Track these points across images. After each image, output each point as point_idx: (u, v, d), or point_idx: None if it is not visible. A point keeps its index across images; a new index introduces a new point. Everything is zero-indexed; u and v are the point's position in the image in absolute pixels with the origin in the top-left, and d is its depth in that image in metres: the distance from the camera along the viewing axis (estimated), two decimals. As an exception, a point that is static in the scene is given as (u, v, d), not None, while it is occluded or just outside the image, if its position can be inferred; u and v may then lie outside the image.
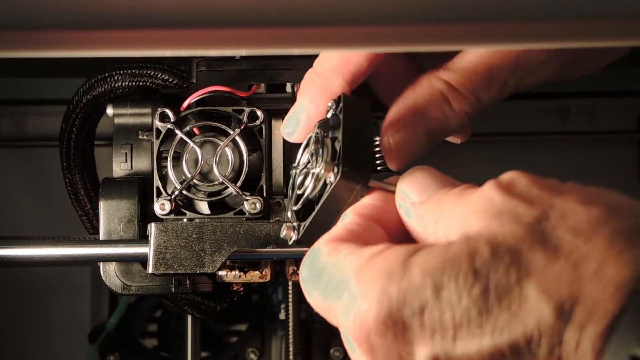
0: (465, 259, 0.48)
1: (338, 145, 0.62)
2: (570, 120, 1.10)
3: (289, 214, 0.66)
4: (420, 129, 0.67)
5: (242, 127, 0.76)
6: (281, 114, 0.79)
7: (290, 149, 0.79)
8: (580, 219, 0.48)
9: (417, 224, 0.55)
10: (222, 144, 0.76)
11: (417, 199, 0.55)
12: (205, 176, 0.77)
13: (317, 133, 0.64)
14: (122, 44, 0.50)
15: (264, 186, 0.77)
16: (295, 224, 0.65)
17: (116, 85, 0.81)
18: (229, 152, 0.77)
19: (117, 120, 0.82)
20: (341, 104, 0.62)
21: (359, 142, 0.62)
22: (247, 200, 0.76)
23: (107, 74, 0.81)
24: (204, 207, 0.78)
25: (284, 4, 0.48)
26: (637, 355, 0.43)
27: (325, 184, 0.61)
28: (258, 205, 0.76)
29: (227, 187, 0.77)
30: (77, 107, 0.83)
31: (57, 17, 0.48)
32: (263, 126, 0.77)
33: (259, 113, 0.77)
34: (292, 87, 0.78)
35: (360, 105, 0.64)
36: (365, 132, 0.63)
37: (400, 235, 0.57)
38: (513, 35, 0.51)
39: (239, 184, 0.76)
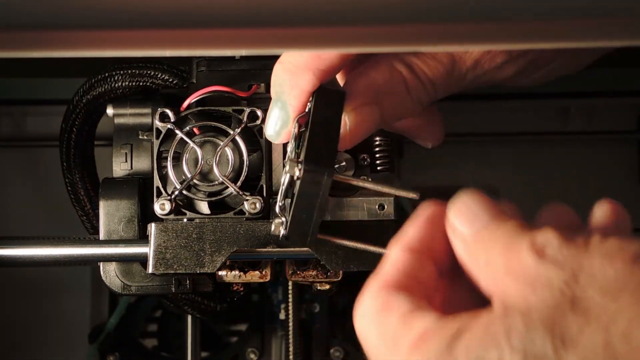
0: (504, 336, 0.48)
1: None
2: (570, 120, 1.10)
3: (277, 209, 0.67)
4: (375, 111, 0.67)
5: (242, 127, 0.76)
6: (281, 114, 0.79)
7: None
8: (607, 275, 0.47)
9: (469, 260, 0.54)
10: (222, 144, 0.76)
11: (468, 232, 0.54)
12: (205, 176, 0.77)
13: (294, 128, 0.65)
14: (122, 44, 0.50)
15: (264, 186, 0.77)
16: (282, 219, 0.66)
17: (116, 85, 0.81)
18: (229, 152, 0.77)
19: (117, 120, 0.82)
20: (313, 98, 0.64)
21: (327, 136, 0.64)
22: (247, 200, 0.76)
23: (107, 74, 0.81)
24: (204, 207, 0.78)
25: (284, 4, 0.48)
26: None
27: (295, 181, 0.64)
28: (258, 205, 0.76)
29: (227, 187, 0.77)
30: (77, 107, 0.83)
31: (57, 17, 0.48)
32: (263, 126, 0.77)
33: (259, 113, 0.77)
34: (292, 87, 0.78)
35: (335, 96, 0.65)
36: (335, 124, 0.64)
37: (449, 262, 0.55)
38: (514, 35, 0.51)
39: (239, 184, 0.76)
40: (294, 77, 0.67)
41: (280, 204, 0.67)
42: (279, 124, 0.68)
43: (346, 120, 0.66)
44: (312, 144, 0.63)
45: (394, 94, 0.68)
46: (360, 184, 0.70)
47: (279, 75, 0.68)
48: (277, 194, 0.79)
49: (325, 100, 0.64)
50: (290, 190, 0.67)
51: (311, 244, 0.68)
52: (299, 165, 0.63)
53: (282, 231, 0.67)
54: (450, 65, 0.68)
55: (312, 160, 0.63)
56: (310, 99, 0.66)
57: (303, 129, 0.66)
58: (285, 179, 0.66)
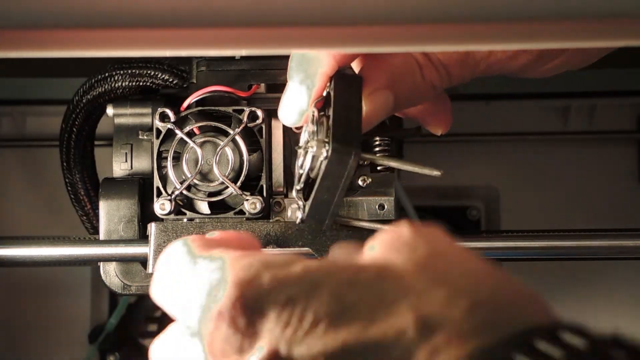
0: (353, 273, 0.48)
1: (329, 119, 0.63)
2: (570, 120, 1.10)
3: (294, 193, 0.67)
4: (390, 96, 0.67)
5: (242, 127, 0.76)
6: (281, 114, 0.79)
7: (291, 149, 0.79)
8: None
9: None
10: (222, 144, 0.76)
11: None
12: (205, 176, 0.77)
13: (313, 112, 0.65)
14: (122, 44, 0.50)
15: (264, 186, 0.77)
16: (300, 203, 0.66)
17: (116, 85, 0.81)
18: (229, 152, 0.77)
19: (117, 120, 0.82)
20: (332, 82, 0.64)
21: (351, 118, 0.64)
22: (247, 200, 0.76)
23: (107, 74, 0.81)
24: (204, 207, 0.78)
25: (284, 4, 0.48)
26: None
27: (321, 162, 0.63)
28: (258, 205, 0.76)
29: (227, 187, 0.77)
30: (77, 107, 0.83)
31: (57, 17, 0.48)
32: (263, 126, 0.77)
33: (259, 113, 0.77)
34: (292, 87, 0.78)
35: (353, 81, 0.65)
36: (357, 107, 0.64)
37: None
38: (515, 35, 0.51)
39: (239, 184, 0.76)
40: (314, 60, 0.67)
41: (298, 187, 0.67)
42: (297, 106, 0.68)
43: (362, 105, 0.67)
44: (338, 125, 0.64)
45: (408, 80, 0.68)
46: (386, 162, 0.72)
47: (298, 59, 0.68)
48: (277, 194, 0.79)
49: (345, 84, 0.65)
50: (308, 174, 0.67)
51: (328, 227, 0.69)
52: (327, 145, 0.63)
53: (300, 215, 0.67)
54: (464, 54, 0.69)
55: (340, 140, 0.63)
56: (329, 83, 0.66)
57: (322, 113, 0.66)
58: (304, 162, 0.66)
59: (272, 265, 0.49)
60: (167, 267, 0.54)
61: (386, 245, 0.51)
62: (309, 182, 0.67)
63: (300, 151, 0.69)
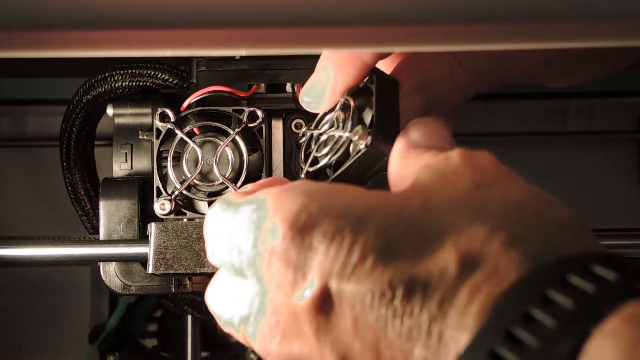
0: (399, 206, 0.49)
1: (367, 115, 0.63)
2: (570, 120, 1.10)
3: (302, 175, 0.67)
4: (421, 99, 0.67)
5: (242, 127, 0.76)
6: (281, 114, 0.79)
7: (290, 149, 0.79)
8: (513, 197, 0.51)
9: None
10: (222, 144, 0.76)
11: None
12: (205, 176, 0.77)
13: (346, 100, 0.65)
14: (122, 44, 0.50)
15: (264, 186, 0.77)
16: None
17: (116, 85, 0.81)
18: (229, 152, 0.77)
19: (117, 120, 0.82)
20: (374, 76, 0.63)
21: (390, 116, 0.63)
22: (247, 200, 0.76)
23: (107, 74, 0.81)
24: (204, 207, 0.78)
25: (284, 4, 0.48)
26: (512, 332, 0.43)
27: (348, 150, 0.63)
28: (258, 205, 0.76)
29: (227, 187, 0.77)
30: (77, 107, 0.83)
31: (57, 17, 0.48)
32: (263, 126, 0.77)
33: (259, 113, 0.77)
34: (292, 87, 0.78)
35: (390, 82, 0.65)
36: (394, 107, 0.64)
37: None
38: (515, 35, 0.51)
39: (239, 184, 0.76)
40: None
41: (310, 169, 0.66)
42: (329, 90, 0.66)
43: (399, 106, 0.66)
44: (381, 118, 0.63)
45: (439, 84, 0.68)
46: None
47: None
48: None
49: (385, 81, 0.64)
50: (323, 157, 0.66)
51: None
52: (370, 136, 0.62)
53: None
54: (495, 60, 0.69)
55: (384, 132, 0.62)
56: (366, 77, 0.65)
57: (358, 104, 0.65)
58: (321, 147, 0.66)
59: (317, 196, 0.50)
60: (210, 222, 0.55)
61: (434, 171, 0.52)
62: (320, 167, 0.66)
63: (312, 134, 0.68)
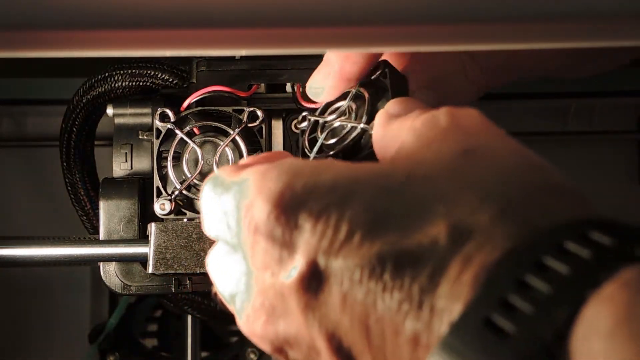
0: (385, 178, 0.48)
1: (380, 108, 0.63)
2: (570, 120, 1.10)
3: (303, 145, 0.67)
4: (433, 96, 0.67)
5: (242, 127, 0.76)
6: (281, 114, 0.79)
7: (290, 149, 0.79)
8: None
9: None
10: (222, 143, 0.76)
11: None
12: (205, 176, 0.77)
13: (359, 91, 0.64)
14: (122, 44, 0.50)
15: (264, 186, 0.77)
16: None
17: (116, 85, 0.81)
18: (229, 152, 0.77)
19: (117, 120, 0.82)
20: (386, 70, 0.63)
21: None
22: (247, 200, 0.76)
23: (107, 74, 0.81)
24: (204, 207, 0.78)
25: (283, 4, 0.48)
26: (507, 299, 0.43)
27: (360, 139, 0.63)
28: (258, 205, 0.76)
29: (227, 187, 0.77)
30: (77, 107, 0.83)
31: (57, 17, 0.48)
32: (263, 126, 0.77)
33: (259, 113, 0.77)
34: (292, 87, 0.78)
35: (400, 77, 0.65)
36: None
37: None
38: (516, 35, 0.51)
39: (239, 184, 0.76)
40: None
41: (317, 156, 0.66)
42: (336, 78, 0.66)
43: None
44: None
45: (452, 80, 0.68)
46: None
47: None
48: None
49: (396, 75, 0.64)
50: (334, 145, 0.66)
51: None
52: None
53: None
54: (508, 55, 0.69)
55: None
56: (378, 71, 0.65)
57: (368, 96, 0.65)
58: (327, 135, 0.66)
59: (302, 174, 0.49)
60: (205, 199, 0.55)
61: (419, 136, 0.51)
62: (327, 156, 0.66)
63: (318, 121, 0.68)
